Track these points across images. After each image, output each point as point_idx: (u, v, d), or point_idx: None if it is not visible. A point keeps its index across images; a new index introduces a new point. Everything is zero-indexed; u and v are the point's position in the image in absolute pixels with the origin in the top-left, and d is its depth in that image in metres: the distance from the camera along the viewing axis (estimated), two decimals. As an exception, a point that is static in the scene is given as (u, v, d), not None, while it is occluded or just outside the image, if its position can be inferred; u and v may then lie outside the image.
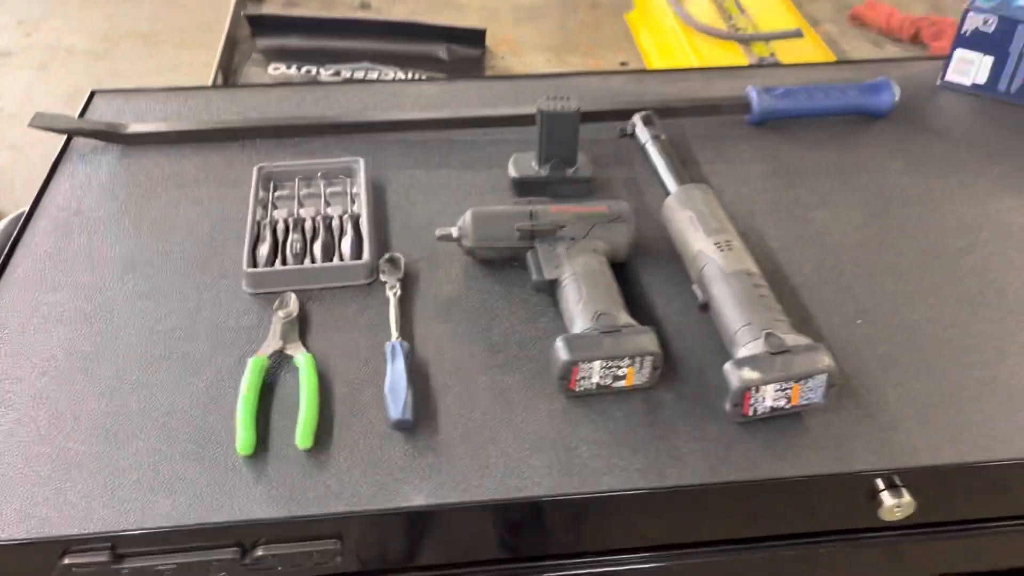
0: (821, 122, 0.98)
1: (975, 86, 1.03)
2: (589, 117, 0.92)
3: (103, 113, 0.99)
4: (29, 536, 0.57)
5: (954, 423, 0.65)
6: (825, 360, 0.63)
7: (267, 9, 1.57)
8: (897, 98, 0.97)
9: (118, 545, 0.58)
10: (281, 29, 1.30)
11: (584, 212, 0.77)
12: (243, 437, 0.62)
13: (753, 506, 0.64)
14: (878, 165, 0.92)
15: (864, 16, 1.50)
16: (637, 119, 0.91)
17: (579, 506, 0.61)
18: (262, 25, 1.30)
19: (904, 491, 0.63)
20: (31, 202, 0.86)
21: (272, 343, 0.69)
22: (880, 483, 0.63)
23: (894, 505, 0.63)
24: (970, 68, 1.02)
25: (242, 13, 1.38)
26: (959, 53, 1.02)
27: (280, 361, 0.69)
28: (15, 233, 0.82)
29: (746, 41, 1.24)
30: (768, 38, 1.24)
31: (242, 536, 0.59)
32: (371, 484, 0.60)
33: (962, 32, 1.01)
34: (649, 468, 0.62)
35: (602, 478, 0.61)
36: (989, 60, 1.00)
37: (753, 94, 0.96)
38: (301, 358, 0.68)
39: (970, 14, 0.99)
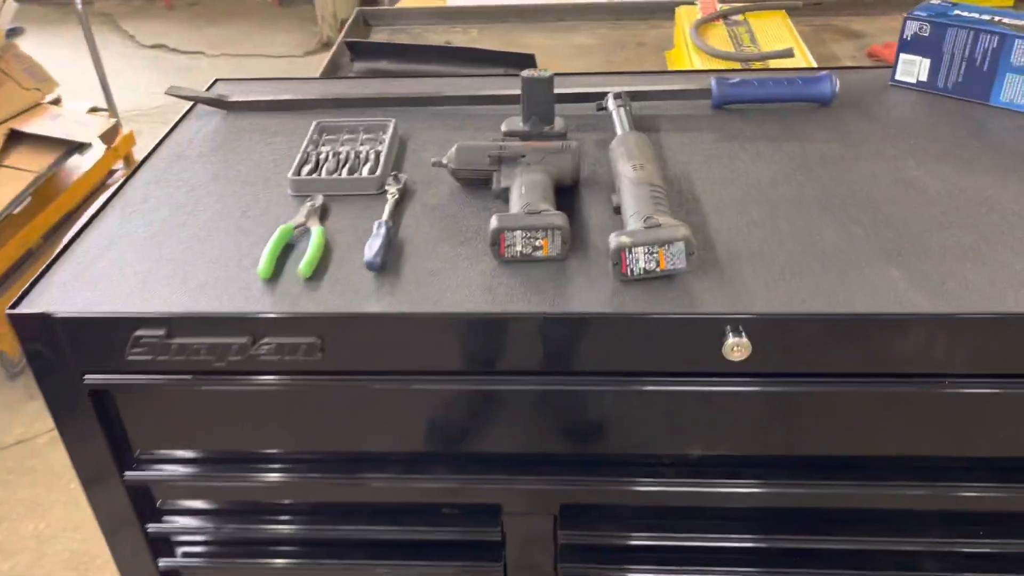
0: (773, 107, 1.18)
1: (919, 83, 1.20)
2: (581, 98, 1.17)
3: (220, 92, 1.32)
4: (117, 312, 0.85)
5: (793, 290, 0.83)
6: (682, 231, 0.83)
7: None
8: (837, 88, 1.16)
9: (171, 326, 0.85)
10: (375, 53, 1.63)
11: (540, 146, 1.01)
12: (264, 266, 0.88)
13: (623, 343, 0.84)
14: (809, 136, 1.11)
15: (879, 53, 1.67)
16: (610, 95, 1.14)
17: (489, 324, 0.83)
18: (359, 50, 1.63)
19: (743, 335, 0.81)
20: (161, 137, 1.19)
21: (297, 219, 0.96)
22: (727, 328, 0.81)
23: (734, 344, 0.81)
24: (913, 68, 1.20)
25: (342, 39, 1.73)
26: (903, 56, 1.20)
27: (303, 233, 0.96)
28: (145, 156, 1.15)
29: (744, 60, 1.46)
30: (763, 58, 1.44)
31: (253, 328, 0.85)
32: (345, 300, 0.85)
33: (904, 37, 1.19)
34: (546, 301, 0.83)
35: (509, 306, 0.83)
36: (927, 61, 1.18)
37: (713, 82, 1.17)
38: (315, 229, 0.94)
39: (908, 22, 1.18)
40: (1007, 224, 0.92)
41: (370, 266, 0.88)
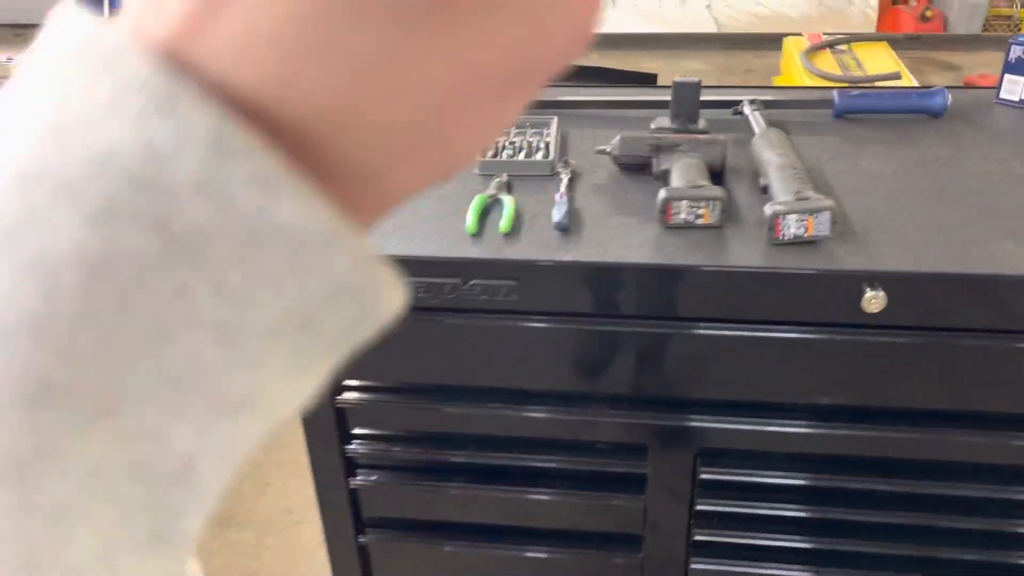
0: (889, 118, 1.34)
1: (1022, 101, 1.35)
2: (719, 104, 1.35)
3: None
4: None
5: (921, 255, 0.98)
6: (828, 202, 1.00)
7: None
8: (949, 102, 1.31)
9: (400, 267, 1.04)
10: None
11: (692, 137, 1.18)
12: (471, 223, 1.07)
13: (774, 296, 1.00)
14: (923, 142, 1.26)
15: (976, 83, 1.82)
16: (745, 101, 1.32)
17: (659, 273, 1.01)
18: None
19: (880, 289, 0.96)
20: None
21: (489, 191, 1.15)
22: (864, 284, 0.97)
23: (871, 297, 0.96)
24: (1016, 88, 1.35)
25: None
26: (1007, 76, 1.35)
27: (495, 203, 1.14)
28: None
29: (854, 82, 1.62)
30: (872, 80, 1.60)
31: (464, 271, 1.03)
32: (538, 251, 1.03)
33: (1008, 60, 1.34)
34: (710, 259, 1.00)
35: (676, 259, 1.00)
36: (1030, 80, 1.33)
37: (835, 93, 1.34)
38: (506, 198, 1.13)
39: (1013, 47, 1.33)
40: (1107, 213, 1.06)
41: (558, 226, 1.06)
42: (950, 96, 1.32)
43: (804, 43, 1.89)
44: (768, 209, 1.01)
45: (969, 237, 1.02)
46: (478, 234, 1.07)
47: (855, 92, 1.34)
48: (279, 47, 0.19)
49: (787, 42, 1.88)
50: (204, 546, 2.02)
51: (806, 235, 1.01)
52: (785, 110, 1.37)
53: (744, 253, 1.01)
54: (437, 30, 0.20)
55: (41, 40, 0.20)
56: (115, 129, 0.18)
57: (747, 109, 1.30)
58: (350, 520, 1.27)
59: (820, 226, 1.00)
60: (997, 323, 0.98)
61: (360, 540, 1.29)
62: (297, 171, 0.20)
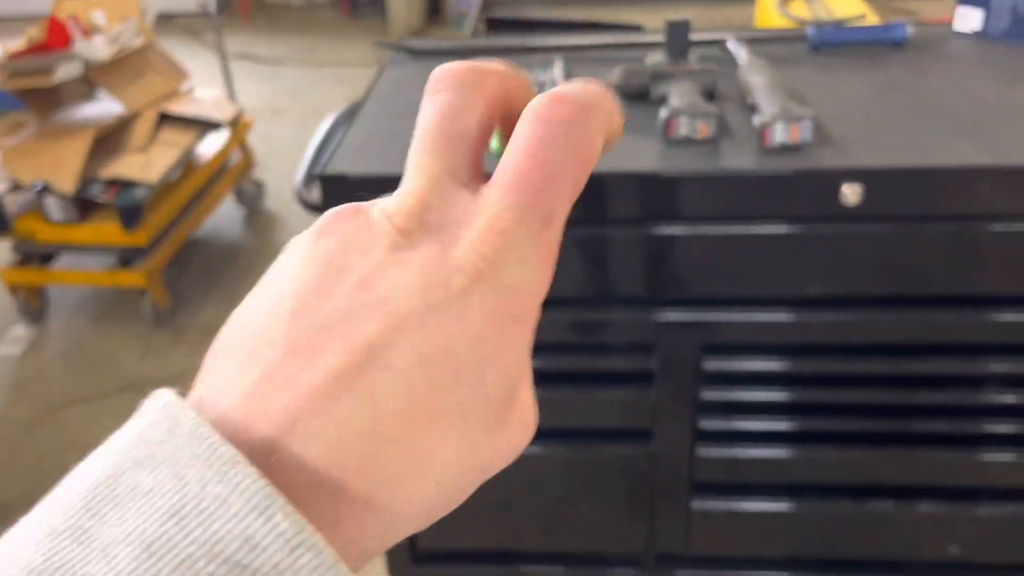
0: (857, 50, 1.49)
1: (973, 32, 1.50)
2: (706, 44, 1.49)
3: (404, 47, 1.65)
4: (390, 173, 1.17)
5: (892, 156, 1.13)
6: (810, 111, 1.14)
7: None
8: (909, 33, 1.46)
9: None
10: (511, 28, 1.96)
11: (686, 68, 1.32)
12: (494, 145, 1.20)
13: (765, 196, 1.14)
14: (887, 67, 1.42)
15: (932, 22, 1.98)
16: (730, 38, 1.46)
17: (662, 179, 1.14)
18: (498, 26, 1.97)
19: (857, 183, 1.11)
20: (374, 78, 1.52)
21: (508, 119, 1.28)
22: (842, 180, 1.12)
23: (849, 191, 1.11)
24: (968, 19, 1.50)
25: (486, 17, 2.07)
26: (959, 8, 1.51)
27: (511, 130, 1.27)
28: (368, 90, 1.47)
29: (824, 24, 1.77)
30: (840, 22, 1.76)
31: (492, 185, 1.16)
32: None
33: (961, -6, 1.50)
34: (709, 166, 1.14)
35: (682, 167, 1.14)
36: (979, 12, 1.48)
37: (809, 30, 1.49)
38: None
39: (964, -19, 1.49)
40: (1049, 117, 1.22)
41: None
42: (910, 28, 1.47)
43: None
44: (757, 120, 1.15)
45: (932, 141, 1.17)
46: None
47: (827, 28, 1.49)
48: (371, 443, 0.25)
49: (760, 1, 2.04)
50: None
51: (791, 142, 1.15)
52: (766, 47, 1.51)
53: (738, 160, 1.15)
54: (498, 441, 0.29)
55: (152, 426, 0.24)
56: (223, 523, 0.22)
57: (732, 45, 1.44)
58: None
59: (803, 133, 1.15)
60: (959, 209, 1.13)
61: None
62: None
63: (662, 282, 1.25)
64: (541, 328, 1.25)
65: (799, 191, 1.15)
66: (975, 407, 1.31)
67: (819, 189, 1.14)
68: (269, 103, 4.36)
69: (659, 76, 1.31)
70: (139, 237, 2.58)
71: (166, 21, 4.85)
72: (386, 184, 1.10)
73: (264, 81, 4.62)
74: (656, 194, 1.17)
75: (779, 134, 1.15)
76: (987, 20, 1.48)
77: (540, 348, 1.35)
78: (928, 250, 1.19)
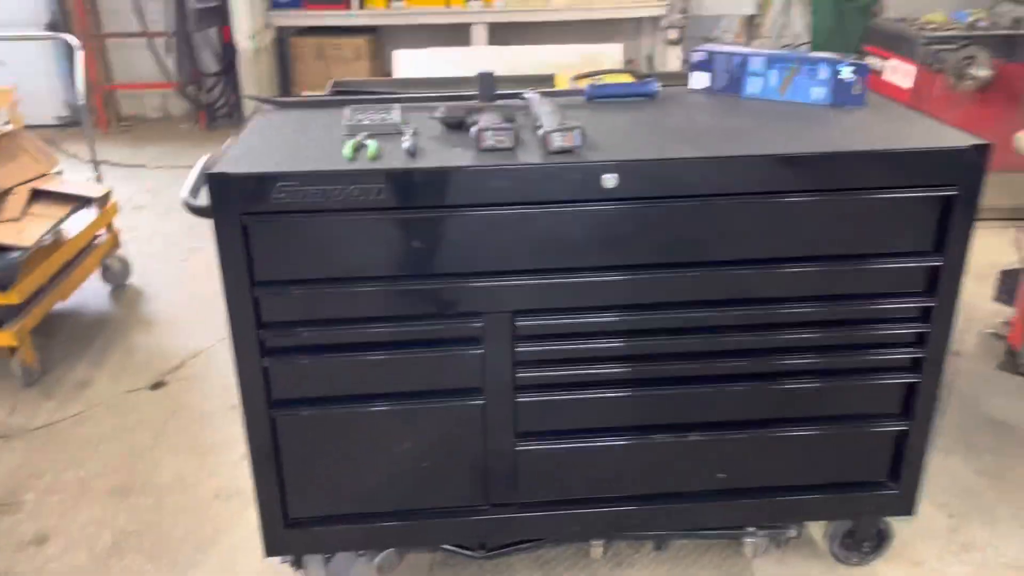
0: (623, 101, 1.99)
1: (706, 89, 2.04)
2: (512, 96, 1.95)
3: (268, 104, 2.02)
4: (268, 172, 1.52)
5: (639, 154, 1.59)
6: (580, 124, 1.59)
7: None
8: (659, 89, 1.98)
9: (302, 179, 1.53)
10: (358, 92, 2.38)
11: (492, 104, 1.76)
12: (347, 152, 1.58)
13: (551, 184, 1.57)
14: (645, 111, 1.92)
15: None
16: (527, 91, 1.92)
17: (472, 173, 1.55)
18: (345, 90, 2.38)
19: (615, 173, 1.56)
20: (247, 121, 1.87)
21: (357, 140, 1.67)
22: (603, 171, 1.56)
23: (608, 177, 1.55)
24: (699, 80, 2.04)
25: (334, 91, 2.47)
26: (693, 73, 2.05)
27: (362, 147, 1.65)
28: (246, 122, 1.82)
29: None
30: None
31: (345, 180, 1.53)
32: (394, 165, 1.55)
33: (692, 63, 2.04)
34: (509, 162, 1.56)
35: (488, 163, 1.56)
36: (705, 75, 2.03)
37: (587, 87, 1.98)
38: (371, 142, 1.65)
39: (693, 54, 2.03)
40: (742, 131, 1.73)
41: (408, 151, 1.59)
42: (660, 86, 1.99)
43: (570, 77, 2.57)
44: (541, 131, 1.59)
45: (666, 146, 1.65)
46: (353, 159, 1.58)
47: (600, 85, 1.99)
48: None
49: (558, 77, 2.55)
50: (107, 510, 2.29)
51: (566, 145, 1.59)
52: (555, 98, 1.99)
53: (529, 159, 1.58)
54: None
55: None
56: None
57: (528, 94, 1.90)
58: (264, 396, 1.69)
59: (576, 139, 1.59)
60: (684, 191, 1.60)
61: (271, 414, 1.71)
62: None
63: (478, 257, 1.64)
64: (384, 299, 1.68)
65: (572, 180, 1.58)
66: (712, 352, 1.75)
67: (586, 177, 1.57)
68: (131, 199, 4.56)
69: (472, 110, 1.74)
70: (11, 297, 2.72)
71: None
72: (259, 181, 1.47)
73: (125, 181, 4.82)
74: (471, 183, 1.57)
75: (557, 140, 1.59)
76: (712, 80, 2.03)
77: (383, 319, 1.70)
78: (668, 220, 1.64)
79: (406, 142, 1.63)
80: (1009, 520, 2.19)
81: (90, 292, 3.49)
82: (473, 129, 1.62)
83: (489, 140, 1.62)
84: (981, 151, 1.61)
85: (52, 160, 3.26)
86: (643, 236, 1.65)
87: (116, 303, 3.50)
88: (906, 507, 1.94)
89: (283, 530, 1.84)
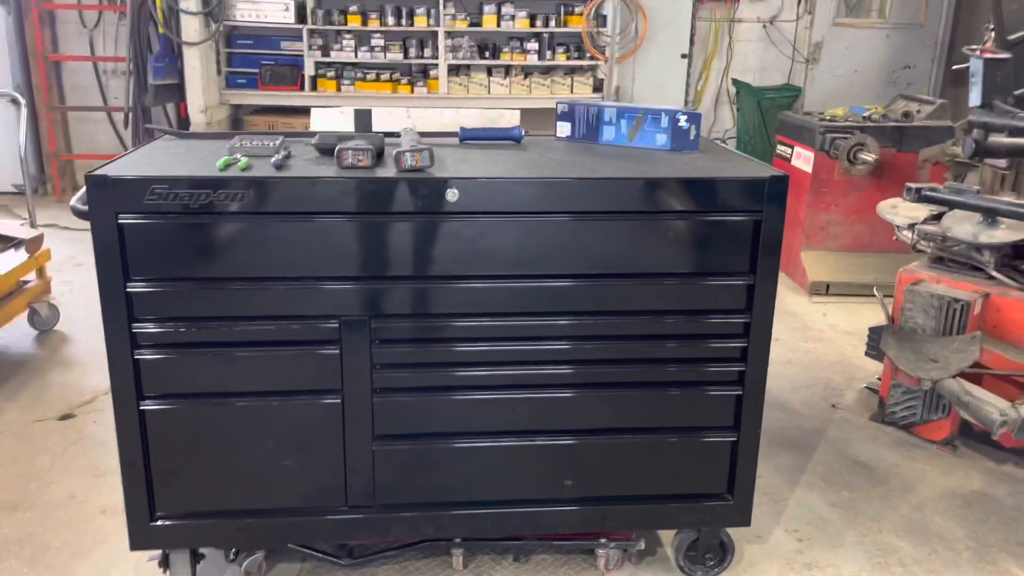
0: (493, 143, 2.21)
1: (567, 136, 2.28)
2: (390, 134, 2.17)
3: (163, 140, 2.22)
4: (142, 175, 1.71)
5: (490, 172, 1.80)
6: (429, 146, 1.80)
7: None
8: (524, 135, 2.21)
9: (173, 184, 1.71)
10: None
11: (364, 135, 1.98)
12: (220, 164, 1.77)
13: (402, 195, 1.76)
14: (511, 151, 2.14)
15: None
16: (402, 128, 2.15)
17: (331, 183, 1.75)
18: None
19: (456, 189, 1.76)
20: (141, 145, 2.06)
21: (230, 157, 1.86)
22: (448, 186, 1.76)
23: (452, 193, 1.75)
24: (563, 129, 2.28)
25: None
26: (558, 123, 2.29)
27: (235, 162, 1.85)
28: (132, 148, 2.02)
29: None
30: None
31: (214, 185, 1.72)
32: (260, 175, 1.74)
33: (558, 114, 2.28)
34: (365, 175, 1.76)
35: (347, 175, 1.75)
36: (568, 124, 2.27)
37: (460, 128, 2.20)
38: (242, 157, 1.84)
39: (559, 105, 2.28)
40: (583, 165, 1.95)
41: (274, 164, 1.78)
42: (525, 131, 2.23)
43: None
44: (394, 152, 1.80)
45: (509, 172, 1.86)
46: (224, 170, 1.77)
47: (471, 128, 2.22)
48: None
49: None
50: (-9, 522, 2.35)
51: (417, 164, 1.80)
52: (432, 139, 2.21)
53: (385, 175, 1.78)
54: None
55: None
56: None
57: (403, 131, 2.12)
58: (134, 389, 1.82)
59: (424, 160, 1.80)
60: (519, 208, 1.80)
61: (141, 406, 1.83)
62: None
63: (335, 262, 1.81)
64: (248, 298, 1.87)
65: (421, 193, 1.78)
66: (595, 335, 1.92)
67: (432, 192, 1.77)
68: (72, 257, 4.73)
69: (343, 138, 1.95)
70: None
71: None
72: (133, 184, 1.66)
73: (71, 243, 4.99)
74: (330, 195, 1.76)
75: (409, 159, 1.79)
76: (573, 129, 2.27)
77: (247, 318, 1.85)
78: (503, 234, 1.83)
79: (274, 159, 1.82)
80: (853, 545, 2.33)
81: (16, 333, 3.60)
82: (336, 149, 1.83)
83: (349, 159, 1.82)
84: (780, 181, 1.84)
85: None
86: (483, 248, 1.84)
87: (40, 346, 3.61)
88: (741, 518, 2.07)
89: (148, 524, 1.93)
